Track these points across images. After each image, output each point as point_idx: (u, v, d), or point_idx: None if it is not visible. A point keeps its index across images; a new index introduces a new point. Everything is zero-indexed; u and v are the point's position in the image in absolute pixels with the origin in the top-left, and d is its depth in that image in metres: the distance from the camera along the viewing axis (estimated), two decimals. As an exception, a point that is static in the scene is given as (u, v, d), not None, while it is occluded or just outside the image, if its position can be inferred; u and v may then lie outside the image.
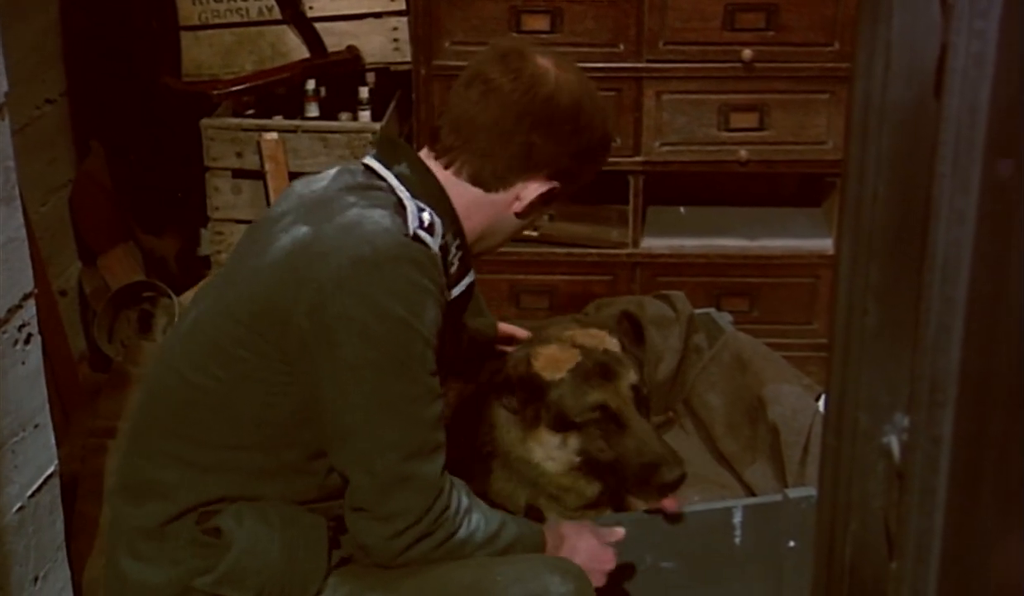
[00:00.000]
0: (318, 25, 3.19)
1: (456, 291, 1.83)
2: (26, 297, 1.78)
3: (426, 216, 1.75)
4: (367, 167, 1.83)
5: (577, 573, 1.80)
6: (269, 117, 3.21)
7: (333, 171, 1.86)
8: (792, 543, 2.14)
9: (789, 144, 3.09)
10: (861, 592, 0.97)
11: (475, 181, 1.82)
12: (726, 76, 3.05)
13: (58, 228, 3.13)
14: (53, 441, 1.89)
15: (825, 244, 3.14)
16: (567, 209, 3.14)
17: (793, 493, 2.15)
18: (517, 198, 1.84)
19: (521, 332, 2.29)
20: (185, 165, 3.25)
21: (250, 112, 3.25)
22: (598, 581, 1.86)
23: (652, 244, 3.21)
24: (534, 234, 3.11)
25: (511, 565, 1.79)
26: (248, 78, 3.19)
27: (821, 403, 2.33)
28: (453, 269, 1.81)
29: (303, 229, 1.73)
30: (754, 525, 2.15)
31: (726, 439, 2.57)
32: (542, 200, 1.84)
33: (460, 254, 1.82)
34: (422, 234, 1.73)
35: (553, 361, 2.10)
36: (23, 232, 1.76)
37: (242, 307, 1.74)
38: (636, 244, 3.18)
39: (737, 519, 2.14)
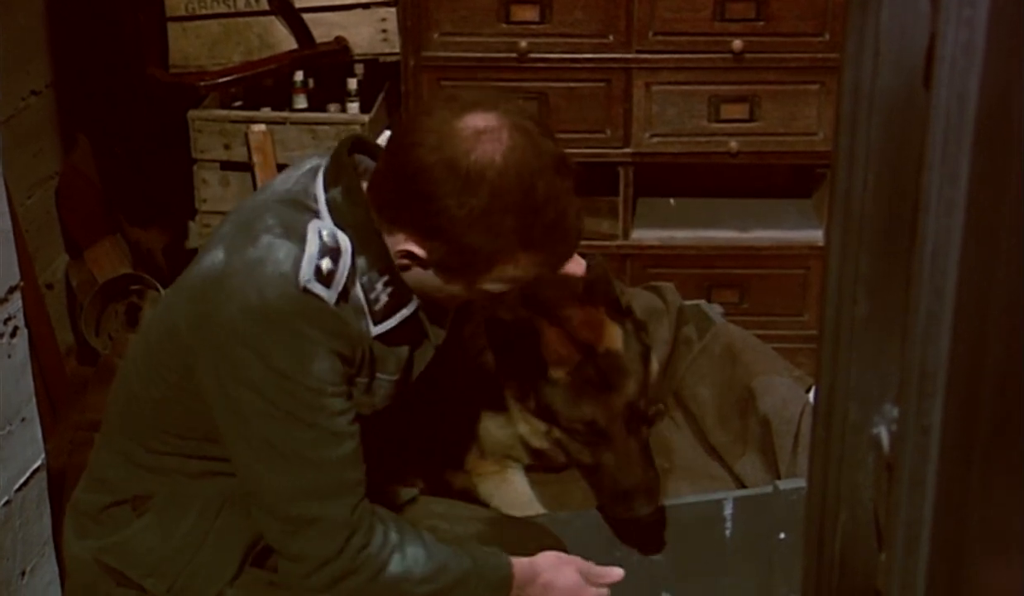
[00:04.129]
0: (306, 16, 3.18)
1: (387, 326, 1.73)
2: (12, 290, 1.77)
3: (325, 264, 1.65)
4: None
5: None
6: (257, 109, 3.20)
7: (307, 166, 1.79)
8: (783, 535, 2.14)
9: (779, 135, 3.09)
10: (851, 584, 0.97)
11: (377, 212, 1.71)
12: (716, 67, 3.05)
13: (44, 221, 3.12)
14: (40, 435, 1.89)
15: (816, 235, 3.15)
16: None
17: (784, 485, 2.15)
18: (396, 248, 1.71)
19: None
20: (172, 157, 3.24)
21: (238, 104, 3.25)
22: None
23: (642, 235, 3.21)
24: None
25: None
26: (236, 69, 3.18)
27: (811, 395, 2.34)
28: (379, 306, 1.71)
29: (219, 256, 1.70)
30: (745, 517, 2.15)
31: (716, 431, 2.57)
32: (414, 260, 1.69)
33: (390, 290, 1.71)
34: (314, 287, 1.63)
35: (555, 354, 2.06)
36: (9, 225, 1.76)
37: (163, 326, 1.77)
38: (626, 235, 3.18)
39: (728, 511, 2.15)
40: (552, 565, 1.85)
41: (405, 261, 1.69)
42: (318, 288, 1.64)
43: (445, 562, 1.76)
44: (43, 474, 1.90)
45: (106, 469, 1.86)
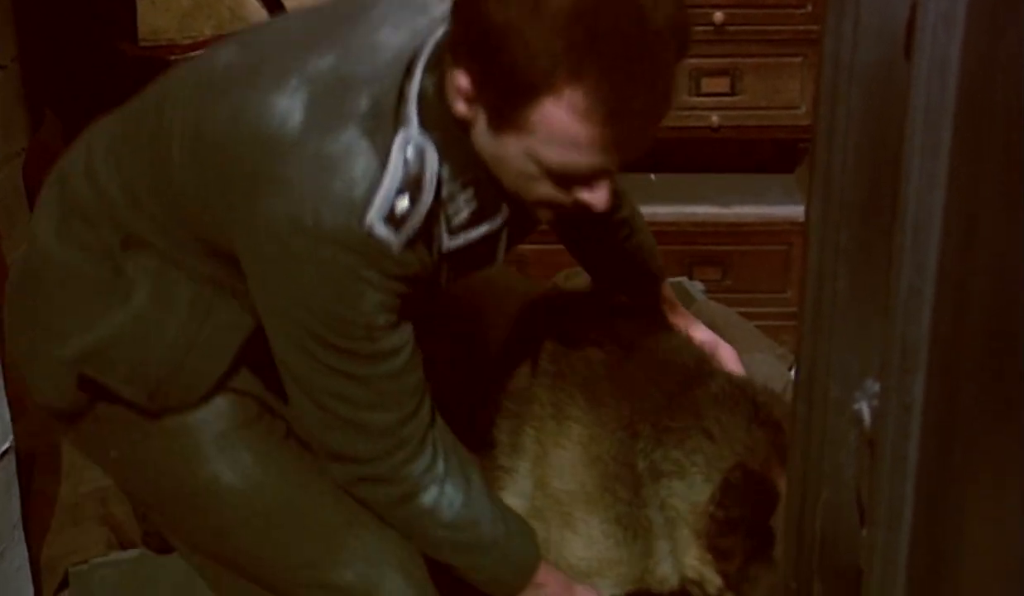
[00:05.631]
0: (278, -12, 3.17)
1: (457, 242, 1.55)
2: (-22, 270, 1.76)
3: (401, 206, 1.46)
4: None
5: (422, 583, 1.71)
6: (229, 83, 3.18)
7: (417, 23, 1.53)
8: (765, 514, 2.15)
9: (762, 109, 3.09)
10: (832, 561, 0.98)
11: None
12: (697, 40, 3.00)
13: (12, 199, 3.09)
14: (8, 417, 1.89)
15: (798, 211, 3.15)
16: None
17: (766, 463, 2.15)
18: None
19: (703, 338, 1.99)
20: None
21: (209, 78, 3.23)
22: None
23: (623, 212, 3.21)
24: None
25: (364, 544, 1.68)
26: (206, 43, 3.16)
27: (794, 373, 2.34)
28: (458, 220, 1.54)
29: (296, 115, 1.46)
30: (726, 496, 2.16)
31: (698, 410, 2.58)
32: (465, 99, 1.47)
33: (473, 206, 1.55)
34: (380, 231, 1.45)
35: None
36: (-26, 203, 1.74)
37: (220, 128, 1.54)
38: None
39: (709, 490, 2.15)
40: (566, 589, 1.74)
41: (462, 109, 1.46)
42: (385, 232, 1.45)
43: (478, 518, 1.66)
44: (12, 456, 1.89)
45: (105, 183, 1.64)
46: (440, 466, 1.63)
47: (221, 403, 1.68)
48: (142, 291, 1.64)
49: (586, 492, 1.78)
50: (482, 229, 1.58)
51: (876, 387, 0.91)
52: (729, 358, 1.98)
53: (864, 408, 0.93)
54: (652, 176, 3.39)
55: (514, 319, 2.04)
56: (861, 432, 0.93)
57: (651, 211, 3.22)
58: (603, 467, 1.76)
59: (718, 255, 3.20)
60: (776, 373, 2.43)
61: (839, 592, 0.97)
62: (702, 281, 2.92)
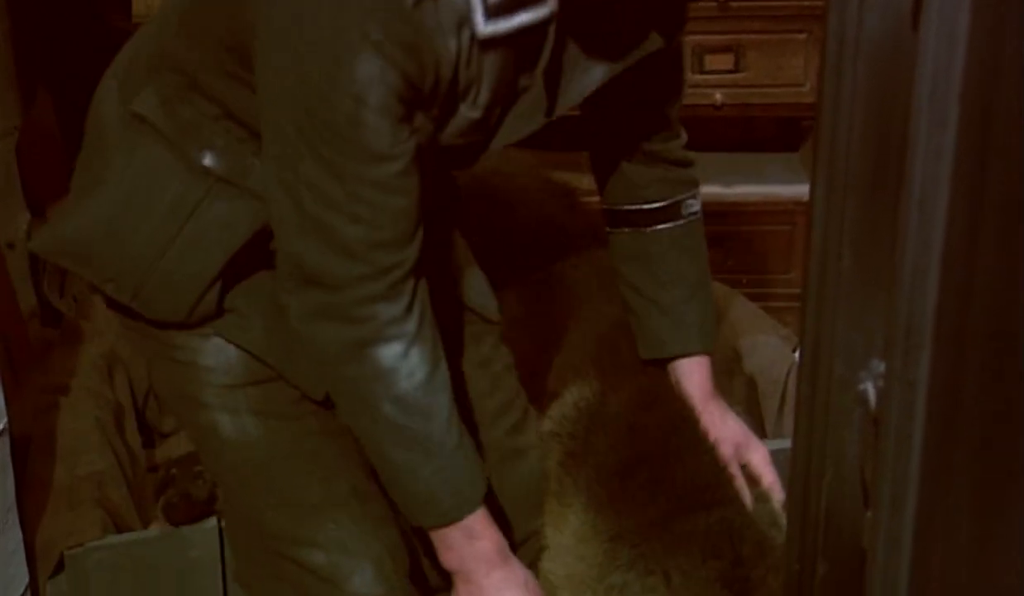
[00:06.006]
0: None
1: (495, 28, 1.37)
2: (-30, 250, 1.76)
3: None
4: None
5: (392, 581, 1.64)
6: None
7: None
8: (768, 497, 2.15)
9: (765, 87, 3.08)
10: (836, 542, 0.98)
11: None
12: (700, 16, 3.03)
13: (4, 178, 3.09)
14: (3, 399, 1.88)
15: (803, 190, 3.14)
16: (536, 156, 3.13)
17: (770, 445, 2.15)
18: None
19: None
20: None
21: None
22: None
23: (624, 192, 3.20)
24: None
25: (343, 531, 1.62)
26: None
27: (798, 355, 2.35)
28: None
29: None
30: (729, 479, 2.16)
31: (701, 392, 2.58)
32: None
33: None
34: None
35: None
36: (-34, 182, 1.74)
37: None
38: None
39: (712, 473, 2.15)
40: (499, 580, 1.58)
41: None
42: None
43: (434, 410, 1.50)
44: (6, 439, 1.89)
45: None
46: (412, 324, 1.47)
47: (233, 357, 1.65)
48: (125, 183, 1.60)
49: (573, 584, 1.77)
50: (527, 16, 1.39)
51: (881, 366, 0.91)
52: (759, 461, 1.83)
53: (869, 388, 0.93)
54: (654, 155, 3.38)
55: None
56: (866, 412, 0.93)
57: (653, 191, 3.24)
58: (587, 569, 1.75)
59: (721, 235, 3.20)
60: (780, 355, 2.43)
61: (843, 573, 0.97)
62: (705, 262, 2.91)
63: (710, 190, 3.21)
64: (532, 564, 1.78)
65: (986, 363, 0.77)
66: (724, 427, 1.83)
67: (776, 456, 2.12)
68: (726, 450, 1.80)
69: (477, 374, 1.84)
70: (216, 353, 1.65)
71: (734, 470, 1.79)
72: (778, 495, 1.78)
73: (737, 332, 2.51)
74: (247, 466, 1.68)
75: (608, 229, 1.87)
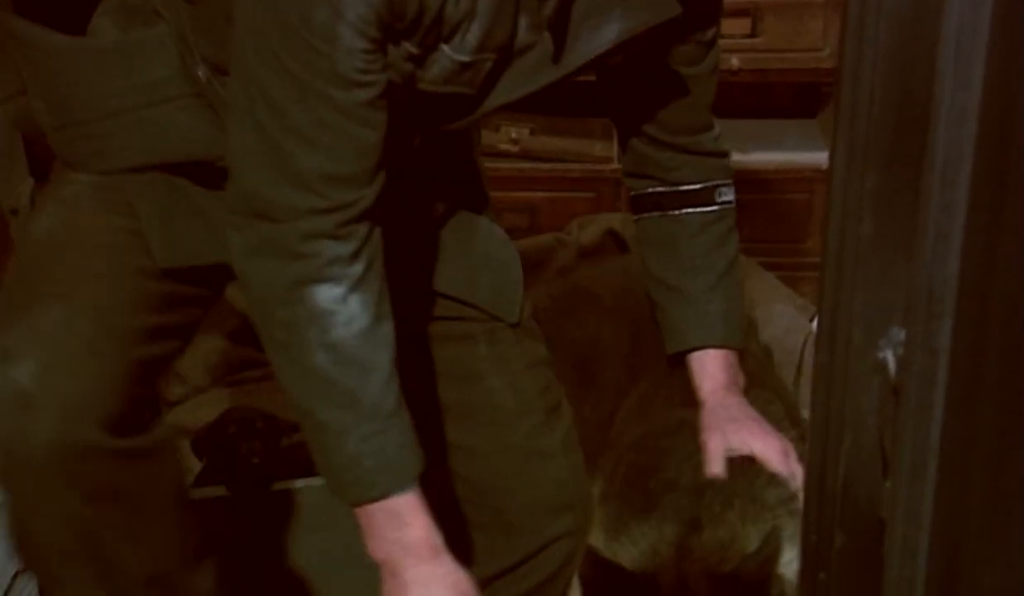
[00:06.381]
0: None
1: None
2: (-25, 216, 1.76)
3: None
4: None
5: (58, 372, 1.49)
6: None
7: None
8: (783, 468, 2.15)
9: (783, 52, 3.07)
10: (854, 512, 0.98)
11: None
12: (717, -21, 3.02)
13: (7, 145, 3.09)
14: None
15: (821, 158, 3.14)
16: (547, 122, 3.12)
17: (785, 417, 2.16)
18: None
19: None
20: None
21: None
22: None
23: (638, 159, 3.19)
24: (513, 149, 3.09)
25: (40, 323, 1.50)
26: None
27: (814, 324, 2.34)
28: None
29: None
30: (744, 450, 2.16)
31: (715, 362, 2.58)
32: None
33: None
34: None
35: None
36: (-31, 147, 1.74)
37: None
38: (620, 159, 3.16)
39: (727, 444, 2.15)
40: (424, 577, 1.47)
41: None
42: None
43: (371, 365, 1.42)
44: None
45: None
46: (358, 268, 1.40)
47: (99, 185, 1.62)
48: (112, 50, 1.60)
49: None
50: None
51: (901, 334, 0.90)
52: (768, 452, 1.68)
53: (888, 356, 0.92)
54: (669, 122, 3.36)
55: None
56: (885, 380, 0.93)
57: (668, 158, 3.22)
58: None
59: (737, 203, 3.19)
60: (796, 325, 2.43)
61: (860, 544, 0.97)
62: (720, 230, 2.90)
63: (726, 157, 3.20)
64: (552, 572, 1.74)
65: (1009, 330, 0.77)
66: (723, 417, 1.71)
67: (792, 427, 2.13)
68: (719, 441, 1.68)
69: (490, 370, 1.77)
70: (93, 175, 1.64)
71: (721, 466, 1.69)
72: (795, 483, 1.66)
73: (753, 301, 2.51)
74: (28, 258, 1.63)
75: (635, 217, 1.81)
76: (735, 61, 3.06)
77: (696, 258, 1.76)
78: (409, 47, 1.36)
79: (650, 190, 1.77)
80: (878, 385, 0.93)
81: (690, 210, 1.76)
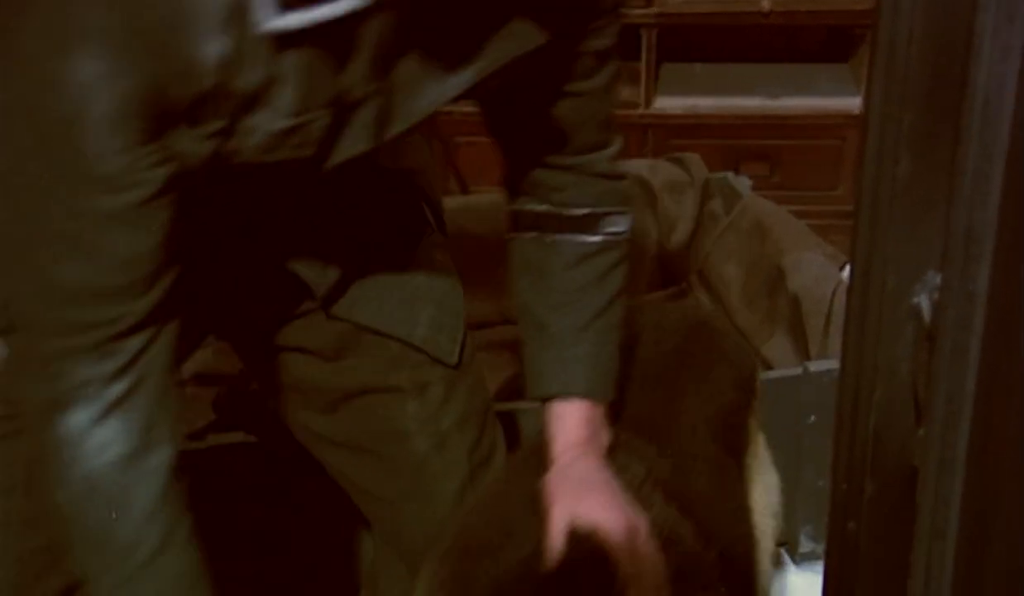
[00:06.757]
0: None
1: (297, 20, 1.10)
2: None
3: None
4: None
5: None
6: None
7: None
8: (813, 418, 2.15)
9: (815, -7, 3.04)
10: (885, 462, 0.97)
11: None
12: (747, -81, 2.99)
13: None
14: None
15: (853, 103, 3.11)
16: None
17: (814, 367, 2.15)
18: None
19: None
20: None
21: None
22: None
23: (665, 104, 3.18)
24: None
25: None
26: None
27: (845, 273, 2.33)
28: None
29: None
30: (773, 400, 2.16)
31: (743, 311, 2.57)
32: None
33: None
34: None
35: None
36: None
37: None
38: (648, 104, 3.15)
39: (754, 394, 2.15)
40: None
41: None
42: None
43: (125, 503, 1.22)
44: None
45: None
46: (118, 388, 1.20)
47: None
48: None
49: None
50: (326, 10, 1.10)
51: (937, 278, 0.89)
52: (606, 520, 1.35)
53: (923, 301, 0.92)
54: (697, 66, 3.35)
55: None
56: (919, 326, 0.92)
57: (695, 103, 3.20)
58: None
59: (766, 149, 3.17)
60: (826, 274, 2.42)
61: (891, 492, 0.97)
62: (749, 177, 2.89)
63: (756, 102, 3.18)
64: None
65: (1050, 274, 0.76)
66: (571, 481, 1.43)
67: (821, 378, 2.12)
68: (563, 510, 1.38)
69: (418, 431, 1.63)
70: None
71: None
72: (628, 567, 1.33)
73: (781, 249, 2.50)
74: None
75: (508, 235, 1.56)
76: (765, 3, 3.03)
77: (568, 293, 1.52)
78: (206, 128, 1.16)
79: (528, 208, 1.53)
80: (912, 331, 0.92)
81: (568, 236, 1.52)
